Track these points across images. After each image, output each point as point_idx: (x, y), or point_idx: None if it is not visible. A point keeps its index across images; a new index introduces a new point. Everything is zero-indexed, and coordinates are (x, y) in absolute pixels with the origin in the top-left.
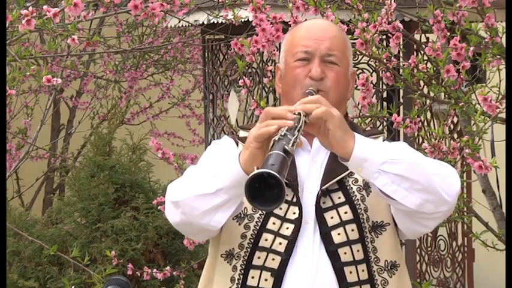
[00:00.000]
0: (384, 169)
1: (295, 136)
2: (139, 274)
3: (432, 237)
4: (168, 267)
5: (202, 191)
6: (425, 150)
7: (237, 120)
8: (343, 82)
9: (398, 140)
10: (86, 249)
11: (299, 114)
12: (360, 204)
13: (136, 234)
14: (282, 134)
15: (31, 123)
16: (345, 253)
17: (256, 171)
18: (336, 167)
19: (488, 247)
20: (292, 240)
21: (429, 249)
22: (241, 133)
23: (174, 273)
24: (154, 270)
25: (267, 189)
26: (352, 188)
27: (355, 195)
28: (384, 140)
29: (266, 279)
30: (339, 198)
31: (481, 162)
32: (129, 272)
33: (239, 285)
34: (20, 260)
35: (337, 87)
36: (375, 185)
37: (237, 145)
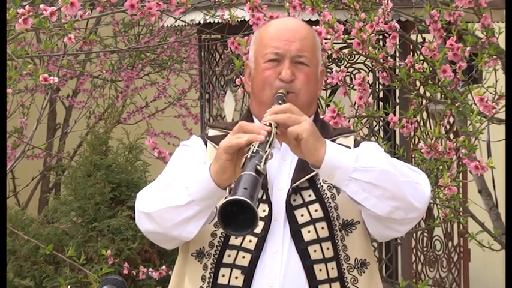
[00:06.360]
0: (354, 177)
1: (267, 153)
2: (135, 273)
3: (428, 237)
4: (164, 267)
5: (174, 203)
6: (422, 151)
7: (233, 119)
8: (313, 83)
9: (394, 140)
10: (82, 249)
11: (270, 125)
12: (330, 203)
13: (133, 234)
14: (254, 150)
15: (27, 123)
16: (315, 251)
17: (229, 198)
18: (306, 165)
19: (484, 247)
20: (262, 238)
21: (425, 249)
22: (210, 132)
23: (170, 272)
24: (150, 269)
25: (239, 212)
26: (322, 186)
27: (326, 194)
28: (355, 139)
29: (237, 277)
30: (310, 196)
31: (477, 163)
32: (125, 272)
33: (210, 284)
34: (16, 259)
35: (307, 89)
36: (345, 192)
37: (206, 145)
